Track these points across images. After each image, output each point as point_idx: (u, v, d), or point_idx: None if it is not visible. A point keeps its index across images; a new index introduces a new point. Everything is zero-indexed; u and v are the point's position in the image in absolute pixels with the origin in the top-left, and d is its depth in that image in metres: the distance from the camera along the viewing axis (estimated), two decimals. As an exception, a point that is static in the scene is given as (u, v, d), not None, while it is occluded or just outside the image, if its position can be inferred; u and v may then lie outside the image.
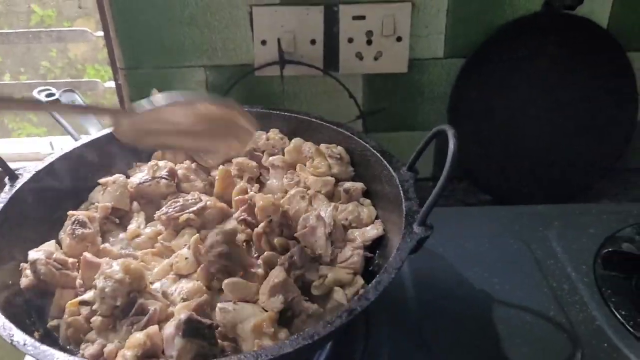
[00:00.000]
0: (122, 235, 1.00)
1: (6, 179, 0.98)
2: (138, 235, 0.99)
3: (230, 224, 0.99)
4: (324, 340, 0.73)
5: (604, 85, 1.41)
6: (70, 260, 0.90)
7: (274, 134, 1.17)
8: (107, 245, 0.97)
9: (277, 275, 0.87)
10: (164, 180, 1.05)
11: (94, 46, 2.50)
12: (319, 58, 1.38)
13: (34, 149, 1.67)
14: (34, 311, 0.87)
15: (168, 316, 0.83)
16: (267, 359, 0.69)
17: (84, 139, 1.12)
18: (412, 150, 0.99)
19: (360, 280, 0.92)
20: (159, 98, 0.84)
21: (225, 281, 0.88)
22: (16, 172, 0.99)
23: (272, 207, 0.98)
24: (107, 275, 0.82)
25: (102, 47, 2.45)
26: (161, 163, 1.08)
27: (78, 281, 0.88)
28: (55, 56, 2.56)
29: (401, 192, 0.94)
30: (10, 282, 0.88)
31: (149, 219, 1.03)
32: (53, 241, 0.95)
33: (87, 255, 0.88)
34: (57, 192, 1.02)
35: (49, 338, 0.84)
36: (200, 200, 1.01)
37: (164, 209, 0.99)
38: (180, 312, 0.79)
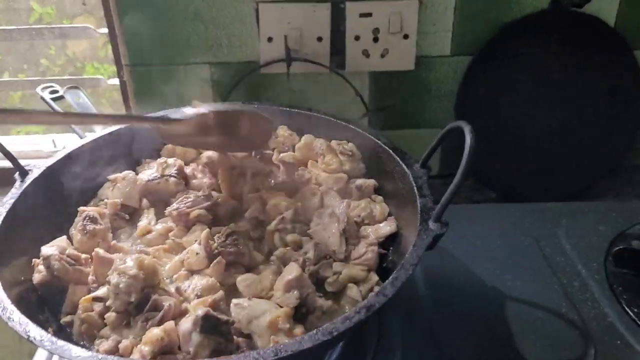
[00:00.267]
0: (132, 232, 0.99)
1: (16, 175, 0.97)
2: (149, 232, 0.98)
3: (242, 222, 0.98)
4: (343, 336, 0.72)
5: (610, 83, 1.41)
6: (83, 256, 0.90)
7: (283, 130, 1.16)
8: (116, 241, 0.96)
9: (291, 270, 0.86)
10: (172, 178, 1.05)
11: (93, 44, 2.49)
12: (325, 55, 1.38)
13: (37, 147, 1.66)
14: (46, 307, 0.87)
15: (182, 312, 0.82)
16: (287, 354, 0.68)
17: (91, 136, 1.11)
18: (419, 148, 0.99)
19: (374, 277, 0.92)
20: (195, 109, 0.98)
21: (239, 277, 0.87)
22: (26, 167, 0.98)
23: (284, 203, 0.98)
24: (121, 271, 0.81)
25: (102, 45, 2.45)
26: (170, 161, 1.08)
27: (90, 277, 0.88)
28: (54, 54, 2.55)
29: (415, 188, 0.94)
30: (22, 277, 0.87)
31: (158, 216, 1.02)
32: (64, 237, 0.94)
33: (100, 251, 0.87)
34: (66, 188, 1.01)
35: (63, 334, 0.83)
36: (212, 196, 1.00)
37: (175, 205, 0.99)
38: (197, 309, 0.78)
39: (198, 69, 1.40)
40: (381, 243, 0.98)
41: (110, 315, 0.81)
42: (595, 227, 1.25)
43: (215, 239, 0.92)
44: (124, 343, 0.78)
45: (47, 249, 0.87)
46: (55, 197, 0.99)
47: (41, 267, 0.87)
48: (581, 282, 1.12)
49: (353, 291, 0.89)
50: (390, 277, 0.79)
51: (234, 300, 0.83)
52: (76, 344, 0.79)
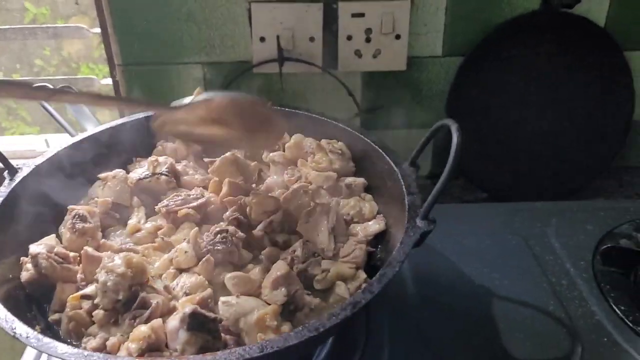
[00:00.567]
0: (122, 230, 1.00)
1: (5, 173, 0.97)
2: (138, 230, 0.98)
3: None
4: (329, 332, 0.73)
5: (600, 84, 1.42)
6: (71, 254, 0.90)
7: (274, 129, 1.16)
8: (107, 239, 0.97)
9: (279, 268, 0.87)
10: (164, 177, 1.05)
11: (88, 44, 2.49)
12: (317, 55, 1.38)
13: (30, 147, 1.66)
14: (34, 305, 0.87)
15: (170, 310, 0.83)
16: (273, 350, 0.69)
17: (82, 135, 1.12)
18: (410, 148, 1.00)
19: (362, 275, 0.92)
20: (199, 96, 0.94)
21: (228, 275, 0.88)
22: (15, 166, 0.98)
23: (270, 201, 0.98)
24: (109, 269, 0.81)
25: (97, 45, 2.45)
26: (161, 159, 1.08)
27: (79, 275, 0.88)
28: (49, 54, 2.55)
29: (403, 186, 0.94)
30: (10, 275, 0.87)
31: (149, 214, 1.02)
32: (53, 235, 0.95)
33: (88, 249, 0.88)
34: (56, 187, 1.01)
35: (50, 332, 0.83)
36: (202, 196, 1.00)
37: (165, 201, 0.99)
38: (185, 306, 0.79)
39: (191, 68, 1.40)
40: (370, 241, 0.99)
41: (98, 313, 0.81)
42: (584, 226, 1.25)
43: (204, 237, 0.92)
44: (112, 340, 0.78)
45: (35, 247, 0.88)
46: (45, 196, 0.99)
47: (29, 266, 0.87)
48: (569, 281, 1.13)
49: (341, 289, 0.89)
50: (377, 274, 0.79)
51: (222, 298, 0.84)
52: (64, 341, 0.79)
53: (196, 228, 0.95)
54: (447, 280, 1.13)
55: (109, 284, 0.80)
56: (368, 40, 1.36)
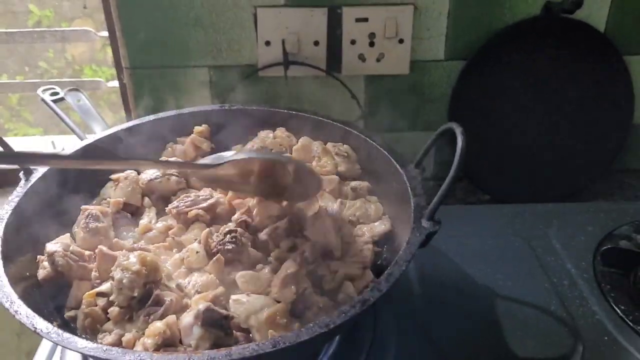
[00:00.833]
0: (134, 230, 1.02)
1: (21, 174, 0.99)
2: (149, 230, 1.00)
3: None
4: (339, 328, 0.75)
5: (600, 88, 1.44)
6: (86, 252, 0.92)
7: (281, 132, 1.19)
8: (119, 239, 0.99)
9: (289, 267, 0.89)
10: (174, 177, 1.07)
11: (91, 47, 2.51)
12: (322, 59, 1.40)
13: (36, 148, 1.68)
14: (50, 302, 0.89)
15: (182, 307, 0.85)
16: (285, 346, 0.71)
17: (93, 137, 1.14)
18: (413, 151, 1.02)
19: (369, 274, 0.94)
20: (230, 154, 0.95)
21: (239, 274, 0.90)
22: (31, 167, 1.00)
23: (275, 206, 1.00)
24: (124, 267, 0.83)
25: (101, 48, 2.47)
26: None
27: (94, 273, 0.90)
28: (52, 57, 2.57)
29: (409, 188, 0.96)
30: (27, 273, 0.90)
31: (160, 214, 1.05)
32: (68, 234, 0.97)
33: (103, 248, 0.90)
34: (69, 187, 1.03)
35: (67, 328, 0.85)
36: (212, 197, 1.02)
37: (175, 203, 1.01)
38: (198, 303, 0.81)
39: (197, 72, 1.42)
40: (376, 241, 1.01)
41: (114, 310, 0.83)
42: (585, 227, 1.28)
43: (214, 237, 0.94)
44: (127, 337, 0.80)
45: (51, 246, 0.90)
46: (59, 196, 1.01)
47: (45, 264, 0.89)
48: (570, 281, 1.15)
49: (349, 288, 0.91)
50: (385, 273, 0.81)
51: (233, 296, 0.86)
52: (80, 338, 0.82)
53: (207, 229, 0.96)
54: (452, 281, 1.15)
55: (124, 281, 0.82)
56: (371, 44, 1.39)
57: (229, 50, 1.40)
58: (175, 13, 1.34)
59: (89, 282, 0.90)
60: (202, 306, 0.78)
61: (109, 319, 0.84)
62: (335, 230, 0.97)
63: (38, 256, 0.92)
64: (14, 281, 0.82)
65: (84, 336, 0.85)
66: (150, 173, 1.07)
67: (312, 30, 1.37)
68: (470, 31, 1.39)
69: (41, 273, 0.89)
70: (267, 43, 1.38)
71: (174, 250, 0.97)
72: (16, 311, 0.76)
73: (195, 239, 0.97)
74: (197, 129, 1.19)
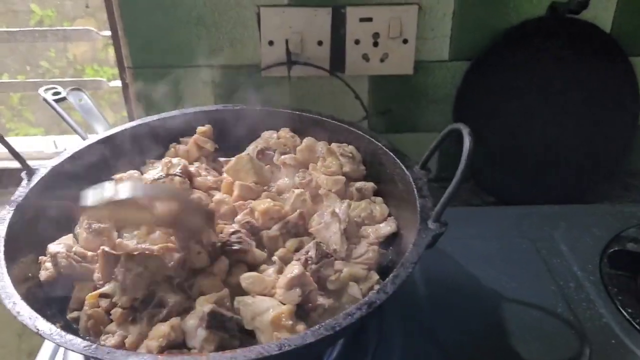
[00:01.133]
0: (136, 230, 1.00)
1: (23, 174, 0.99)
2: (153, 231, 0.99)
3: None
4: (345, 331, 0.74)
5: (606, 89, 1.43)
6: (89, 253, 0.91)
7: (285, 132, 1.18)
8: (121, 239, 0.98)
9: (293, 269, 0.88)
10: (177, 178, 1.06)
11: (93, 46, 2.51)
12: (325, 59, 1.40)
13: (38, 148, 1.67)
14: (53, 303, 0.88)
15: (186, 309, 0.84)
16: (291, 348, 0.70)
17: (96, 137, 1.13)
18: (417, 152, 1.01)
19: (375, 276, 0.93)
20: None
21: (243, 275, 0.89)
22: (33, 167, 0.99)
23: (274, 209, 0.99)
24: (128, 267, 0.82)
25: (102, 47, 2.46)
26: (175, 160, 1.09)
27: (96, 274, 0.89)
28: (54, 56, 2.56)
29: (415, 189, 0.96)
30: (29, 274, 0.89)
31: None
32: (70, 235, 0.96)
33: (106, 248, 0.88)
34: (72, 187, 1.02)
35: (69, 330, 0.84)
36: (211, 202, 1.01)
37: None
38: (203, 305, 0.80)
39: (200, 71, 1.41)
40: (381, 243, 1.00)
41: (116, 311, 0.82)
42: (591, 229, 1.27)
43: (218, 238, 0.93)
44: (130, 338, 0.79)
45: (54, 247, 0.89)
46: (61, 196, 1.00)
47: (48, 264, 0.89)
48: (577, 283, 1.14)
49: (354, 289, 0.90)
50: (391, 275, 0.80)
51: (238, 298, 0.85)
52: (83, 339, 0.81)
53: (209, 229, 0.96)
54: (457, 283, 1.14)
55: (127, 282, 0.82)
56: (375, 44, 1.38)
57: (232, 50, 1.39)
58: (178, 12, 1.34)
59: (91, 283, 0.89)
60: (207, 308, 0.77)
61: (111, 321, 0.83)
62: (341, 230, 0.96)
63: (40, 257, 0.91)
64: (16, 282, 0.81)
65: (86, 338, 0.84)
66: (153, 173, 1.06)
67: (315, 30, 1.36)
68: (475, 32, 1.39)
69: (44, 274, 0.88)
70: (271, 43, 1.37)
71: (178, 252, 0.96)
72: (18, 312, 0.75)
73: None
74: (200, 129, 1.18)
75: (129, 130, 1.15)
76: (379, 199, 1.08)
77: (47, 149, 1.67)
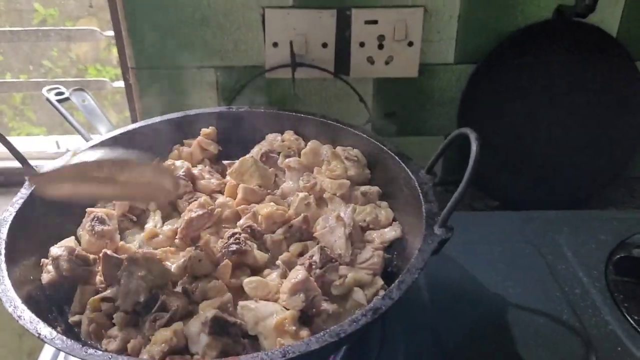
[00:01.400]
0: (139, 233, 1.00)
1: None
2: (156, 235, 0.98)
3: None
4: (350, 338, 0.73)
5: (612, 93, 1.42)
6: (91, 256, 0.90)
7: (289, 135, 1.17)
8: (125, 242, 0.97)
9: (297, 274, 0.87)
10: (181, 180, 1.05)
11: (96, 46, 2.50)
12: (330, 61, 1.39)
13: (40, 148, 1.66)
14: (54, 307, 0.87)
15: (189, 313, 0.83)
16: (295, 355, 0.69)
17: (99, 138, 1.12)
18: (422, 155, 1.00)
19: (379, 281, 0.93)
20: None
21: (246, 280, 0.88)
22: (35, 168, 0.98)
23: (277, 213, 0.99)
24: (130, 271, 0.81)
25: (105, 47, 2.46)
26: (178, 163, 1.09)
27: (98, 278, 0.88)
28: (56, 56, 2.55)
29: (420, 194, 0.95)
30: (31, 277, 0.88)
31: (165, 218, 1.03)
32: (72, 237, 0.95)
33: (108, 251, 0.88)
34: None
35: (71, 333, 0.84)
36: (213, 211, 0.99)
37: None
38: (206, 310, 0.79)
39: (204, 72, 1.41)
40: (385, 248, 0.99)
41: (119, 315, 0.82)
42: (597, 235, 1.26)
43: (218, 242, 0.93)
44: (132, 343, 0.79)
45: (56, 250, 0.88)
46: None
47: (50, 268, 0.88)
48: (582, 290, 1.13)
49: (358, 295, 0.90)
50: (397, 280, 0.80)
51: (241, 303, 0.84)
52: (84, 343, 0.80)
53: (208, 236, 0.94)
54: (461, 288, 1.14)
55: (130, 286, 0.81)
56: (380, 47, 1.37)
57: (236, 51, 1.38)
58: (182, 13, 1.33)
59: (93, 287, 0.88)
60: (209, 314, 0.76)
61: (113, 325, 0.83)
62: (346, 235, 0.95)
63: (42, 260, 0.90)
64: (17, 285, 0.80)
65: (88, 342, 0.83)
66: (156, 175, 1.05)
67: (320, 31, 1.35)
68: (481, 34, 1.38)
69: (45, 277, 0.88)
70: (275, 44, 1.36)
71: (180, 254, 0.95)
72: (20, 316, 0.75)
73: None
74: (204, 131, 1.17)
75: (131, 131, 1.14)
76: (384, 203, 1.07)
77: (49, 149, 1.66)
